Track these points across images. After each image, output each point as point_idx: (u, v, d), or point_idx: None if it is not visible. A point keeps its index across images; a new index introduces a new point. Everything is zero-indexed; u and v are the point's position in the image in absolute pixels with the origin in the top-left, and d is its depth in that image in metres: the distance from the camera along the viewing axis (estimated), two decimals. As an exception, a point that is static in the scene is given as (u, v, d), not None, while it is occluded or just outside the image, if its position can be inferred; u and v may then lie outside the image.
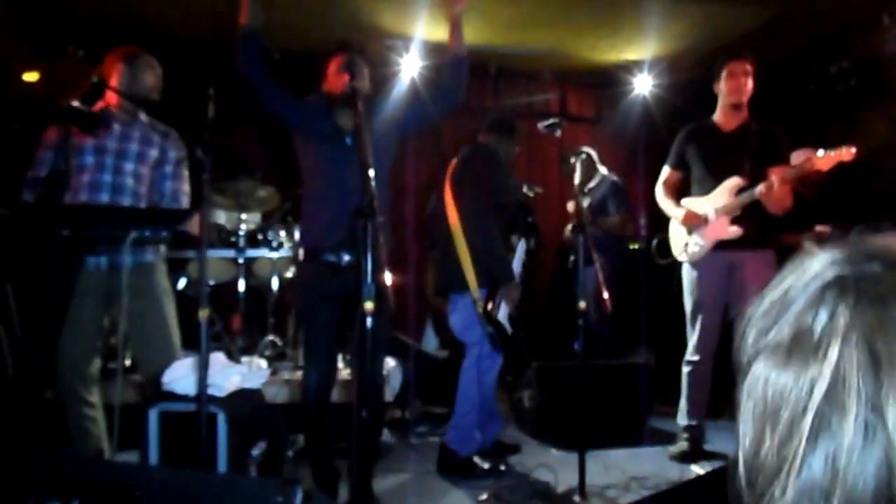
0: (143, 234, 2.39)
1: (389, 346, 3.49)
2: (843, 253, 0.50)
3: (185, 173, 2.90)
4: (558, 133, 3.00)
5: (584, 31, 5.04)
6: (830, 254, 0.51)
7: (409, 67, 4.99)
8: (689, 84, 5.15)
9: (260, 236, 4.06)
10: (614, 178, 4.82)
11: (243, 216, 4.00)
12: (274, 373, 3.64)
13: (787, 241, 3.32)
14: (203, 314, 2.09)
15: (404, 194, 4.96)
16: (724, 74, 3.34)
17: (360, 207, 2.11)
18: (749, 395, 0.50)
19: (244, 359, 3.64)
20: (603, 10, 4.67)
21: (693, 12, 4.63)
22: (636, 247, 5.17)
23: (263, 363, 3.72)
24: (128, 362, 3.32)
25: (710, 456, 3.37)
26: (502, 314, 3.16)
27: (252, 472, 2.40)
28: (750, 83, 3.32)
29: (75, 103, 2.39)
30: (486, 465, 3.21)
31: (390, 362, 3.81)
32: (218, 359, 2.62)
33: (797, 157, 3.12)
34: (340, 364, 3.63)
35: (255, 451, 2.46)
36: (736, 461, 0.51)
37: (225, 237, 4.02)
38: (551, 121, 3.04)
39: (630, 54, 5.43)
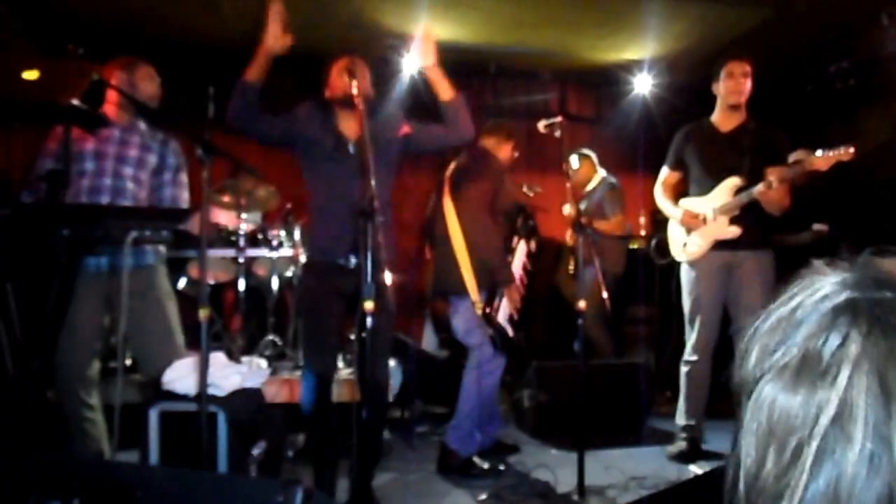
0: (144, 233, 2.39)
1: (391, 346, 3.49)
2: (855, 276, 0.50)
3: (185, 181, 2.91)
4: (558, 133, 3.01)
5: (584, 30, 5.04)
6: (841, 275, 0.50)
7: (410, 67, 5.00)
8: (689, 84, 5.15)
9: (260, 236, 4.06)
10: (612, 179, 4.82)
11: (243, 216, 4.00)
12: (274, 373, 3.64)
13: (785, 241, 3.33)
14: (203, 314, 2.10)
15: (404, 194, 4.96)
16: (722, 75, 3.34)
17: (360, 207, 2.12)
18: (753, 415, 0.49)
19: (244, 359, 3.63)
20: (603, 10, 4.67)
21: (693, 12, 4.63)
22: (636, 246, 5.17)
23: (263, 363, 3.71)
24: (128, 362, 3.32)
25: (709, 456, 3.38)
26: (502, 316, 3.16)
27: (252, 472, 2.40)
28: (749, 84, 3.32)
29: (75, 102, 2.39)
30: (485, 465, 3.21)
31: (390, 362, 3.81)
32: (218, 359, 2.62)
33: (795, 157, 3.12)
34: (340, 364, 3.63)
35: (255, 451, 2.47)
36: (733, 480, 0.50)
37: (225, 237, 4.02)
38: (551, 121, 3.04)
39: (630, 54, 5.43)
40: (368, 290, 2.18)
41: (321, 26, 4.50)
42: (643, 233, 5.56)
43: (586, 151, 4.88)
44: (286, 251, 4.03)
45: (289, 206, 4.29)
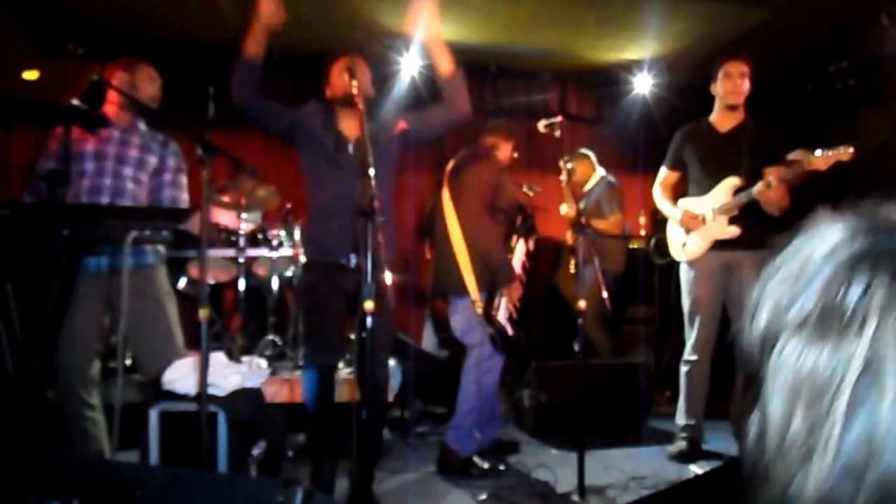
0: (144, 233, 2.39)
1: (391, 345, 3.49)
2: (864, 224, 0.48)
3: (184, 182, 2.91)
4: (558, 133, 3.01)
5: (584, 30, 5.04)
6: (849, 224, 0.49)
7: (409, 67, 5.00)
8: (689, 84, 5.15)
9: (260, 236, 4.06)
10: (611, 178, 4.82)
11: (243, 216, 4.00)
12: (274, 373, 3.64)
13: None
14: (203, 314, 2.10)
15: (404, 194, 4.96)
16: (720, 75, 3.35)
17: (360, 207, 2.12)
18: (776, 374, 0.48)
19: (244, 358, 3.63)
20: (603, 10, 4.67)
21: (693, 12, 4.63)
22: (636, 246, 5.17)
23: (263, 363, 3.71)
24: (128, 362, 3.32)
25: (709, 455, 3.38)
26: (502, 315, 3.16)
27: (252, 471, 2.40)
28: (746, 84, 3.32)
29: (75, 101, 2.39)
30: (485, 465, 3.21)
31: (390, 362, 3.81)
32: (218, 358, 2.62)
33: (794, 157, 3.12)
34: (340, 364, 3.63)
35: (255, 451, 2.47)
36: (756, 443, 0.49)
37: (225, 237, 4.02)
38: (551, 121, 3.04)
39: (630, 54, 5.43)
40: (368, 290, 2.18)
41: (320, 26, 4.50)
42: (643, 233, 5.56)
43: (585, 151, 4.88)
44: (286, 251, 4.03)
45: (289, 206, 4.29)
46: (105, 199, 2.69)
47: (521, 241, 3.42)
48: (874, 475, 0.42)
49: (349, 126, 2.70)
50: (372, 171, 2.25)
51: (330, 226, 2.67)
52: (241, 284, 4.00)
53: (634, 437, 3.78)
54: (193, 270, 4.13)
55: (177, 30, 4.77)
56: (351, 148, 2.67)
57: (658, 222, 4.66)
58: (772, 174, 3.12)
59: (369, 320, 2.18)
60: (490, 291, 3.13)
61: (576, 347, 2.91)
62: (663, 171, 3.59)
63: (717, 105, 3.41)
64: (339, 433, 2.68)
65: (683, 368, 3.45)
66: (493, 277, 3.12)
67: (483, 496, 2.90)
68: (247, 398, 2.59)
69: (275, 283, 4.16)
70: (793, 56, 5.17)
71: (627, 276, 4.82)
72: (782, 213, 3.22)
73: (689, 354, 3.43)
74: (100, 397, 2.77)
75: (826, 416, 0.44)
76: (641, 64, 5.53)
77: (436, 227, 3.33)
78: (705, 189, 3.36)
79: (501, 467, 3.26)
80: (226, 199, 4.05)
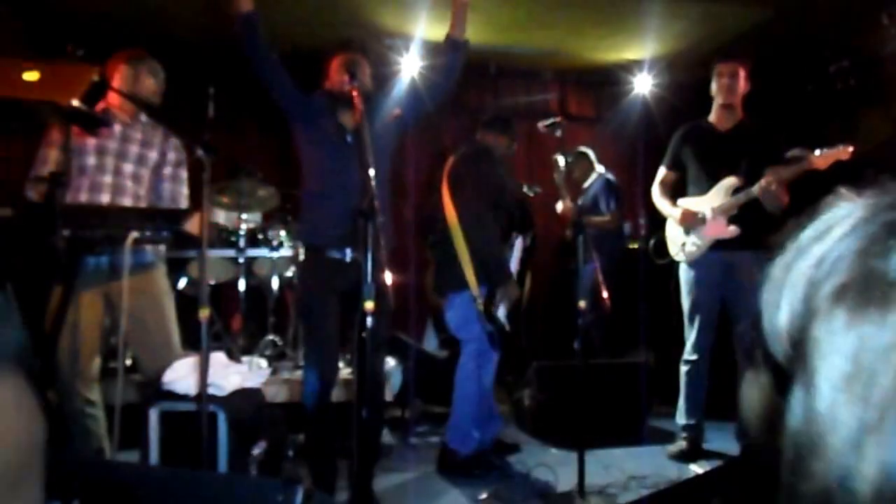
0: (144, 233, 2.39)
1: (390, 345, 3.49)
2: (889, 197, 0.46)
3: (184, 176, 2.91)
4: (558, 133, 3.01)
5: (584, 31, 5.04)
6: (871, 199, 0.46)
7: (409, 67, 4.99)
8: (689, 84, 5.15)
9: (260, 236, 4.06)
10: (609, 175, 4.82)
11: (243, 216, 4.00)
12: (274, 373, 3.65)
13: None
14: (203, 314, 2.10)
15: (404, 194, 4.96)
16: (714, 76, 3.37)
17: (360, 208, 2.12)
18: (818, 355, 0.44)
19: (244, 359, 3.64)
20: (603, 10, 4.67)
21: (692, 12, 4.63)
22: (635, 246, 5.17)
23: (263, 363, 3.72)
24: (128, 362, 3.32)
25: (709, 455, 3.38)
26: (501, 312, 3.16)
27: (252, 471, 2.40)
28: (739, 84, 3.34)
29: (76, 103, 2.39)
30: (485, 465, 3.21)
31: (390, 362, 3.82)
32: (218, 359, 2.62)
33: (793, 155, 3.12)
34: (341, 363, 3.63)
35: (255, 451, 2.47)
36: (795, 436, 0.45)
37: (225, 237, 4.02)
38: (551, 120, 3.04)
39: (630, 54, 5.43)
40: (369, 290, 2.17)
41: (320, 26, 4.50)
42: (643, 233, 5.56)
43: (584, 149, 4.88)
44: (286, 251, 4.03)
45: (289, 206, 4.29)
46: (105, 198, 2.69)
47: (520, 238, 3.42)
48: None
49: (348, 121, 2.71)
50: (372, 172, 2.25)
51: (323, 209, 2.68)
52: (241, 285, 4.00)
53: (635, 436, 3.78)
54: (193, 270, 4.14)
55: (177, 30, 4.77)
56: (349, 138, 2.67)
57: (658, 222, 4.66)
58: (771, 174, 3.12)
59: (369, 320, 2.18)
60: (489, 288, 3.13)
61: (576, 347, 2.91)
62: (662, 171, 3.59)
63: (714, 105, 3.43)
64: (338, 433, 2.68)
65: (683, 368, 3.45)
66: (490, 274, 3.12)
67: (483, 496, 2.90)
68: (247, 398, 2.59)
69: (275, 283, 4.16)
70: (793, 56, 5.17)
71: (627, 276, 4.81)
72: (782, 212, 3.22)
73: (689, 354, 3.43)
74: (101, 395, 2.77)
75: (876, 398, 0.40)
76: (641, 64, 5.52)
77: (434, 225, 3.34)
78: (704, 189, 3.36)
79: (501, 467, 3.26)
80: (225, 199, 4.06)
